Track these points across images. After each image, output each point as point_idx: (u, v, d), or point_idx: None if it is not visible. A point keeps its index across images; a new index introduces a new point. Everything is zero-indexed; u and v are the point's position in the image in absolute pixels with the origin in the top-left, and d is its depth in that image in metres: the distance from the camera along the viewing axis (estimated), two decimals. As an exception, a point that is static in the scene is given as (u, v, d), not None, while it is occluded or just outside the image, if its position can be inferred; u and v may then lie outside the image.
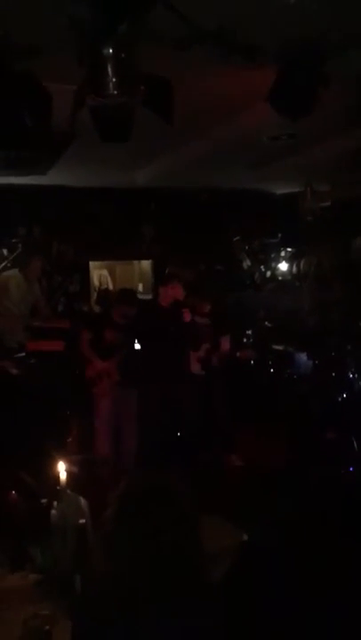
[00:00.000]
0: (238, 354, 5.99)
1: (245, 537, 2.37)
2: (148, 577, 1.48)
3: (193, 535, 1.56)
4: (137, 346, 5.32)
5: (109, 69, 2.29)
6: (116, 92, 2.36)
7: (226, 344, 5.86)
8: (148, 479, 1.67)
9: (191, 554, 1.54)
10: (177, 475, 1.67)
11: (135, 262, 8.66)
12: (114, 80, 2.33)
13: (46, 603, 2.08)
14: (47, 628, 1.91)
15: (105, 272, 8.38)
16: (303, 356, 6.76)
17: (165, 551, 1.49)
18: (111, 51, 2.26)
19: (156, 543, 1.49)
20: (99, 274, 8.24)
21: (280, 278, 8.60)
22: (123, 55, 2.28)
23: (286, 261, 8.64)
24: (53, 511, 2.38)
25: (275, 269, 8.69)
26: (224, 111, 3.88)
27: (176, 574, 1.50)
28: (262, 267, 8.70)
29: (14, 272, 6.51)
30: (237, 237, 8.34)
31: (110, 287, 8.05)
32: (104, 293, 7.79)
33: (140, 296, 8.19)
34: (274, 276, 8.66)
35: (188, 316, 5.26)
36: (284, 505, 4.22)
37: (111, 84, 2.32)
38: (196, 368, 5.60)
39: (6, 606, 2.12)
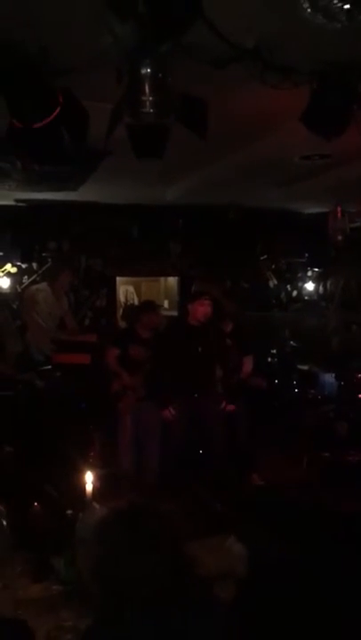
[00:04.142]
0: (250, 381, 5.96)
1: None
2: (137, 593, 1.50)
3: (175, 555, 1.58)
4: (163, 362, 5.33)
5: (147, 88, 2.34)
6: (152, 111, 2.41)
7: (248, 365, 5.83)
8: (135, 501, 1.70)
9: (179, 571, 1.55)
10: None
11: (161, 279, 8.69)
12: (150, 99, 2.38)
13: (69, 613, 2.08)
14: (69, 638, 1.91)
15: (131, 288, 8.43)
16: (328, 377, 6.71)
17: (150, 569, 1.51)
18: (149, 70, 2.31)
19: (143, 560, 1.51)
20: (125, 289, 8.29)
21: (306, 298, 8.57)
22: (160, 75, 2.33)
23: (313, 281, 8.61)
24: (78, 523, 2.38)
25: (301, 289, 8.67)
26: (256, 129, 3.90)
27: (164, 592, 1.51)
28: (288, 286, 8.69)
29: (43, 285, 6.61)
30: (264, 256, 8.34)
31: (136, 303, 8.09)
32: (130, 309, 7.84)
33: (165, 313, 8.23)
34: (300, 295, 8.64)
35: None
36: (302, 525, 4.15)
37: (148, 103, 2.37)
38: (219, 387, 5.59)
39: (29, 616, 2.12)
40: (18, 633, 1.65)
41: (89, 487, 2.40)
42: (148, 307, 5.49)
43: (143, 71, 2.28)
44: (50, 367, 5.95)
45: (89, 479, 2.40)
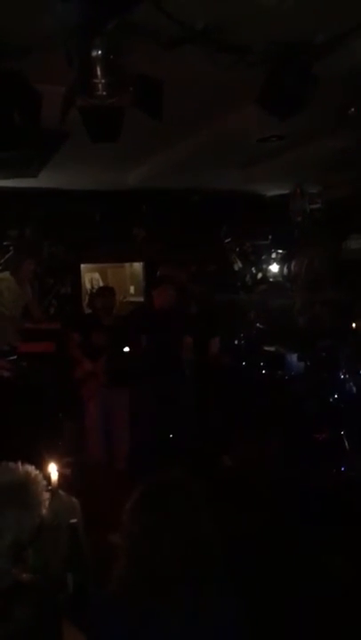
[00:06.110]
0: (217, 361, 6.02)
1: None
2: (173, 568, 1.52)
3: (209, 527, 1.61)
4: (125, 348, 5.35)
5: (98, 71, 2.31)
6: (105, 94, 2.38)
7: (215, 347, 5.87)
8: (164, 477, 1.72)
9: (209, 544, 1.59)
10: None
11: (127, 265, 8.65)
12: (103, 81, 2.34)
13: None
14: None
15: (96, 275, 8.38)
16: (295, 357, 6.79)
17: (186, 543, 1.54)
18: (100, 52, 2.27)
19: (177, 536, 1.54)
20: (90, 277, 8.23)
21: (271, 280, 8.63)
22: (111, 56, 2.30)
23: (277, 263, 8.66)
24: (45, 511, 2.37)
25: (266, 271, 8.72)
26: (213, 112, 3.89)
27: (198, 564, 1.55)
28: (253, 268, 8.73)
29: (5, 275, 6.49)
30: (229, 239, 8.36)
31: (101, 290, 8.03)
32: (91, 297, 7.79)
33: (131, 299, 8.22)
34: (265, 277, 8.69)
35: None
36: (272, 505, 4.22)
37: (100, 85, 2.33)
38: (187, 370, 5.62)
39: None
40: None
41: (54, 476, 2.39)
42: (100, 291, 5.67)
43: (94, 53, 2.25)
44: (15, 357, 5.88)
45: (53, 468, 2.39)
